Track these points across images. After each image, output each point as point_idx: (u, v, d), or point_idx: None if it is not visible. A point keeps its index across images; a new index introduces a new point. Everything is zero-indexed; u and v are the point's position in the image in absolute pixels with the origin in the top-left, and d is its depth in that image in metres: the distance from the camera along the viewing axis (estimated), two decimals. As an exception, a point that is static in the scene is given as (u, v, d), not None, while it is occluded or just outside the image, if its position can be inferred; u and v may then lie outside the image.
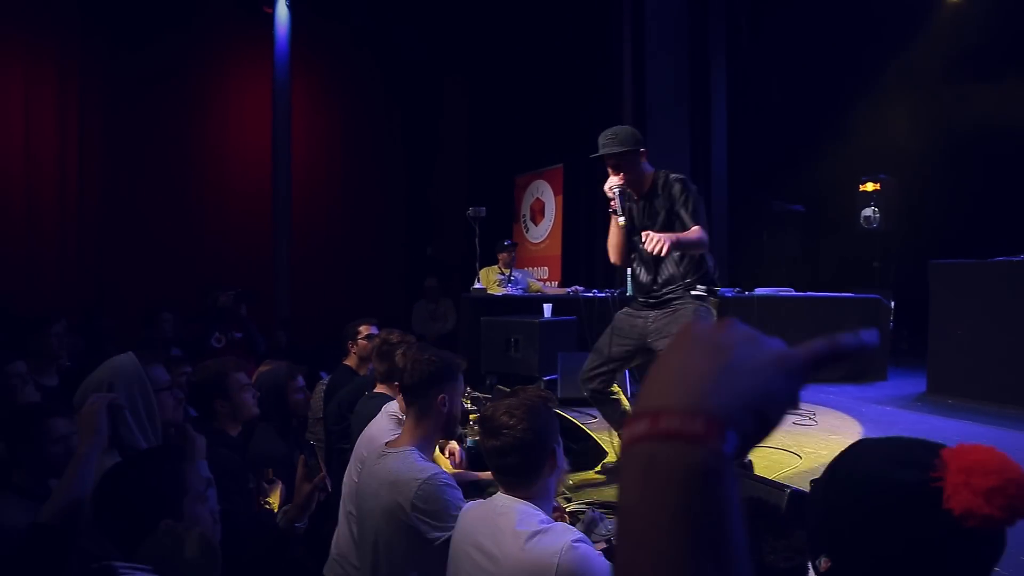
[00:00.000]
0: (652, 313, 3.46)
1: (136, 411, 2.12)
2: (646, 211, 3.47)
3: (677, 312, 3.38)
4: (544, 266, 9.51)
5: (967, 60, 7.29)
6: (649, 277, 3.50)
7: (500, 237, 7.29)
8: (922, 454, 0.94)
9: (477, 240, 6.36)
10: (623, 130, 3.49)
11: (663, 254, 3.13)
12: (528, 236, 9.94)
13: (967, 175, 7.33)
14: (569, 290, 6.71)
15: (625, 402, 3.62)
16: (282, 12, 9.02)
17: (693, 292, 3.39)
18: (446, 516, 2.04)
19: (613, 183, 3.42)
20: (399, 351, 3.08)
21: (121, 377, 2.14)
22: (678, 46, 8.01)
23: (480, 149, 10.84)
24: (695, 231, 3.30)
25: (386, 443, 2.33)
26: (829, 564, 0.98)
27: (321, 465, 2.62)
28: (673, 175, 3.46)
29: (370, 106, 10.38)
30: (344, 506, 2.57)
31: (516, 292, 6.79)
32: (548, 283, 8.69)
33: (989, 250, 5.48)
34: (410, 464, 2.16)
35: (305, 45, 9.32)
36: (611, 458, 3.68)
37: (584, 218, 9.16)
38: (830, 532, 0.99)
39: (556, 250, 9.36)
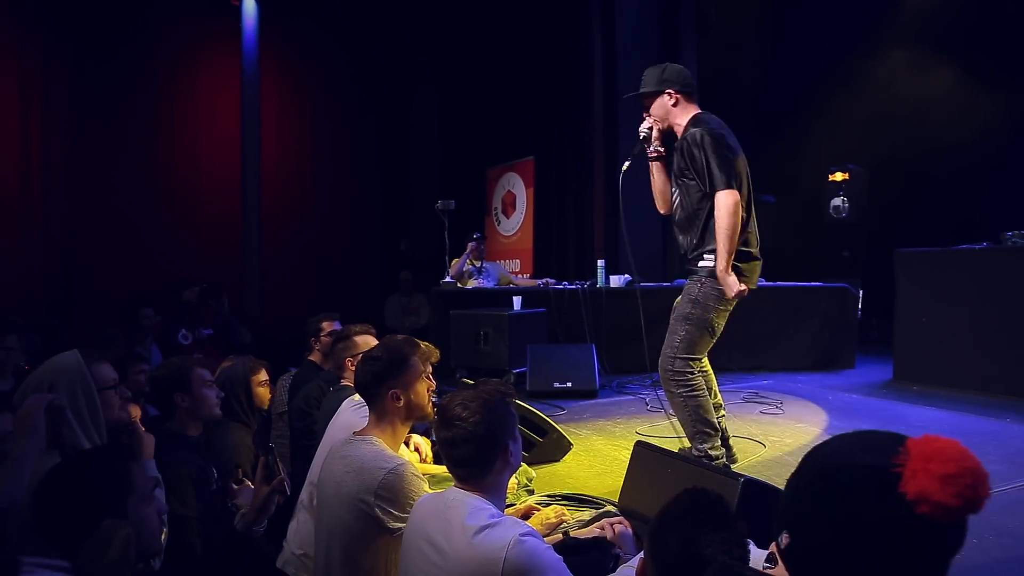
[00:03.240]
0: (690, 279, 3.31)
1: (78, 411, 2.07)
2: (675, 156, 3.23)
3: (688, 288, 3.24)
4: (516, 258, 9.49)
5: (933, 51, 7.35)
6: (680, 238, 3.32)
7: (472, 230, 7.26)
8: (888, 442, 0.96)
9: (447, 233, 6.32)
10: (653, 69, 3.26)
11: (744, 291, 3.06)
12: (500, 229, 9.92)
13: (934, 165, 7.41)
14: (540, 282, 6.70)
15: (715, 385, 3.40)
16: (249, 5, 8.91)
17: (702, 262, 3.18)
18: (409, 507, 2.02)
19: (643, 126, 3.30)
20: (347, 347, 3.05)
21: (63, 376, 2.09)
22: (647, 38, 8.02)
23: (452, 142, 10.80)
24: (724, 225, 3.04)
25: (354, 432, 2.30)
26: (788, 540, 1.00)
27: (279, 468, 2.58)
28: (695, 129, 3.13)
29: (341, 99, 10.29)
30: (304, 498, 2.53)
31: (487, 284, 6.76)
32: (520, 275, 8.68)
33: (955, 239, 5.55)
34: (376, 453, 2.14)
35: (274, 39, 9.22)
36: (577, 451, 3.67)
37: (555, 210, 9.16)
38: (794, 511, 1.01)
39: (528, 242, 9.35)
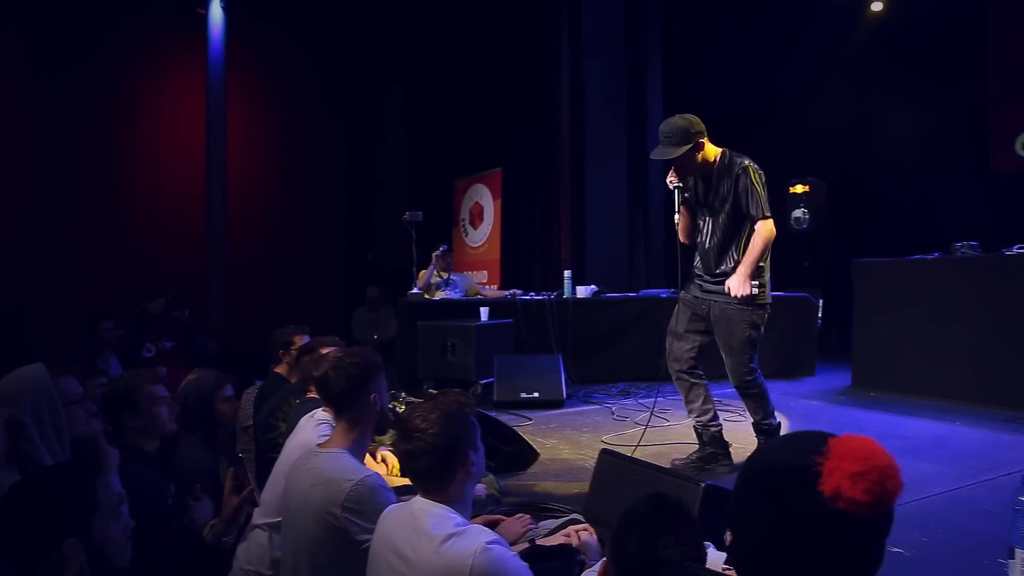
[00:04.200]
0: (710, 299, 3.59)
1: (42, 425, 2.05)
2: (711, 190, 3.54)
3: (729, 312, 3.51)
4: (483, 270, 9.53)
5: (890, 68, 7.59)
6: (710, 258, 3.59)
7: (440, 241, 7.29)
8: (814, 442, 1.01)
9: (414, 245, 6.34)
10: (678, 129, 3.44)
11: (750, 293, 3.39)
12: (467, 240, 9.95)
13: (890, 178, 7.64)
14: (507, 293, 6.75)
15: (708, 394, 3.69)
16: (216, 13, 8.84)
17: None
18: (376, 518, 2.03)
19: (671, 178, 3.56)
20: (314, 360, 3.05)
21: (27, 389, 2.07)
22: (614, 53, 8.14)
23: (419, 153, 10.82)
24: (757, 234, 3.41)
25: (318, 445, 2.31)
26: (731, 539, 1.06)
27: (249, 478, 2.57)
28: (738, 159, 3.50)
29: (308, 109, 10.26)
30: (260, 516, 2.52)
31: (455, 296, 6.79)
32: (487, 286, 8.72)
33: (910, 249, 5.72)
34: (343, 465, 2.14)
35: (241, 47, 9.16)
36: (545, 459, 3.72)
37: (522, 222, 9.23)
38: (734, 510, 1.07)
39: (495, 253, 9.40)
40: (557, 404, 5.33)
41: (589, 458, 3.70)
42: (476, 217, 9.87)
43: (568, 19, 8.27)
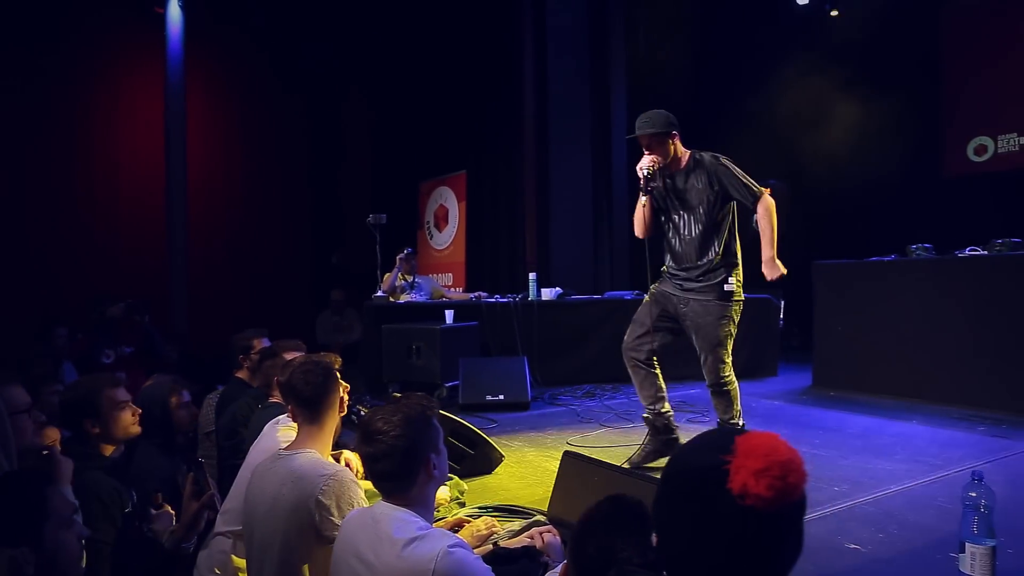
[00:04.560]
0: (685, 296, 3.63)
1: (-13, 435, 1.99)
2: (675, 188, 3.65)
3: (708, 308, 3.56)
4: (448, 272, 9.51)
5: (850, 70, 7.75)
6: (690, 253, 3.63)
7: (404, 244, 7.26)
8: (723, 441, 1.04)
9: (378, 247, 6.31)
10: (658, 114, 3.61)
11: (784, 273, 3.53)
12: (432, 242, 9.93)
13: (850, 180, 7.80)
14: (472, 296, 6.74)
15: (662, 381, 3.74)
16: (174, 12, 8.68)
17: (725, 287, 3.57)
18: (347, 513, 2.04)
19: (644, 163, 3.59)
20: (277, 365, 3.03)
21: (-28, 399, 2.01)
22: (578, 52, 8.18)
23: (384, 155, 10.77)
24: (762, 217, 3.59)
25: (283, 448, 2.30)
26: (657, 540, 1.11)
27: (210, 483, 2.54)
28: (707, 154, 3.63)
29: (270, 111, 10.13)
30: (223, 523, 2.49)
31: (420, 299, 6.76)
32: (452, 289, 8.70)
33: (868, 250, 5.85)
34: (315, 462, 2.18)
35: (200, 47, 9.00)
36: (509, 462, 3.71)
37: (488, 224, 9.23)
38: (656, 512, 1.11)
39: (460, 256, 9.38)
40: (523, 406, 5.34)
41: (554, 460, 3.71)
42: (441, 219, 9.85)
43: (532, 21, 8.30)
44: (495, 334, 6.22)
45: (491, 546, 2.28)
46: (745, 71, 8.49)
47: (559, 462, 2.93)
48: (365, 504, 2.06)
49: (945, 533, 2.58)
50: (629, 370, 3.76)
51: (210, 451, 3.87)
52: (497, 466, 3.70)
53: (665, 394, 3.76)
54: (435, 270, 9.51)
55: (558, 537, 2.23)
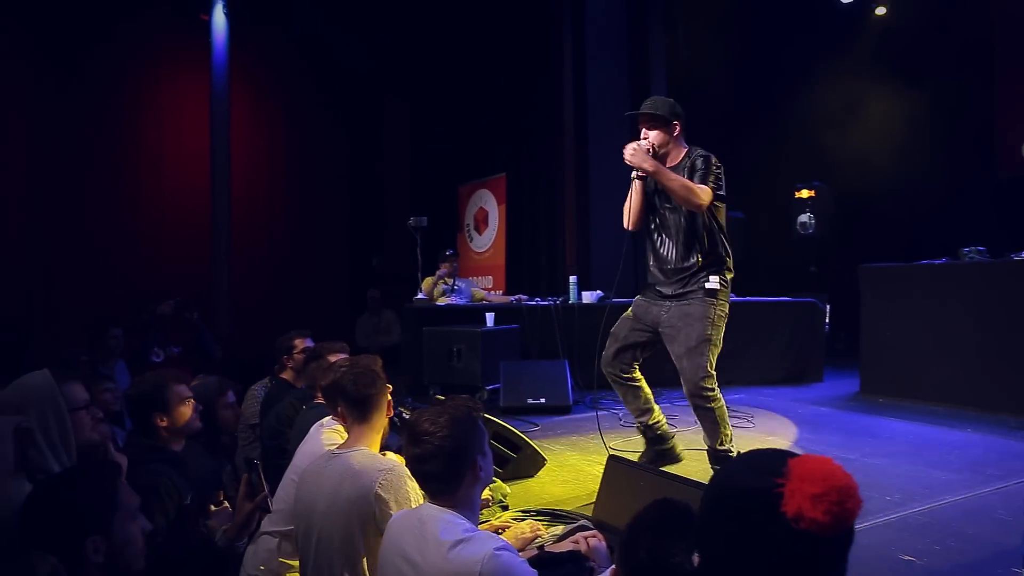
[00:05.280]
0: (667, 304, 3.48)
1: (48, 432, 2.05)
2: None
3: (687, 310, 3.39)
4: (488, 275, 9.54)
5: (897, 69, 7.59)
6: (669, 255, 3.48)
7: (444, 247, 7.30)
8: (774, 462, 1.04)
9: (419, 250, 6.35)
10: (663, 99, 3.52)
11: (633, 160, 3.35)
12: (472, 245, 9.96)
13: (898, 182, 7.63)
14: (513, 299, 6.75)
15: (647, 391, 3.65)
16: (219, 20, 8.87)
17: (707, 284, 3.39)
18: (407, 505, 2.09)
19: (641, 144, 3.45)
20: (321, 367, 3.07)
21: (32, 397, 2.07)
22: (617, 58, 8.15)
23: (423, 159, 10.85)
24: (685, 183, 3.32)
25: (334, 447, 2.35)
26: (699, 560, 1.10)
27: (264, 484, 2.58)
28: (701, 151, 3.46)
29: (312, 115, 10.29)
30: (270, 523, 2.52)
31: (460, 302, 6.79)
32: (492, 292, 8.72)
33: (918, 254, 5.71)
34: (371, 457, 2.22)
35: (244, 54, 9.19)
36: (551, 466, 3.71)
37: (527, 226, 9.22)
38: (699, 533, 1.11)
39: (500, 259, 9.40)
40: (564, 410, 5.32)
41: (596, 464, 3.70)
42: (481, 222, 9.88)
43: (571, 22, 8.29)
44: (536, 337, 6.21)
45: (536, 550, 2.27)
46: (786, 70, 8.36)
47: (603, 466, 2.92)
48: (419, 497, 2.08)
49: (1006, 547, 2.50)
50: (612, 384, 3.68)
51: (253, 444, 3.93)
52: (539, 470, 3.69)
53: (652, 404, 3.66)
54: (475, 273, 9.55)
55: (603, 542, 2.21)
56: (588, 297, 6.48)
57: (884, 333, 5.63)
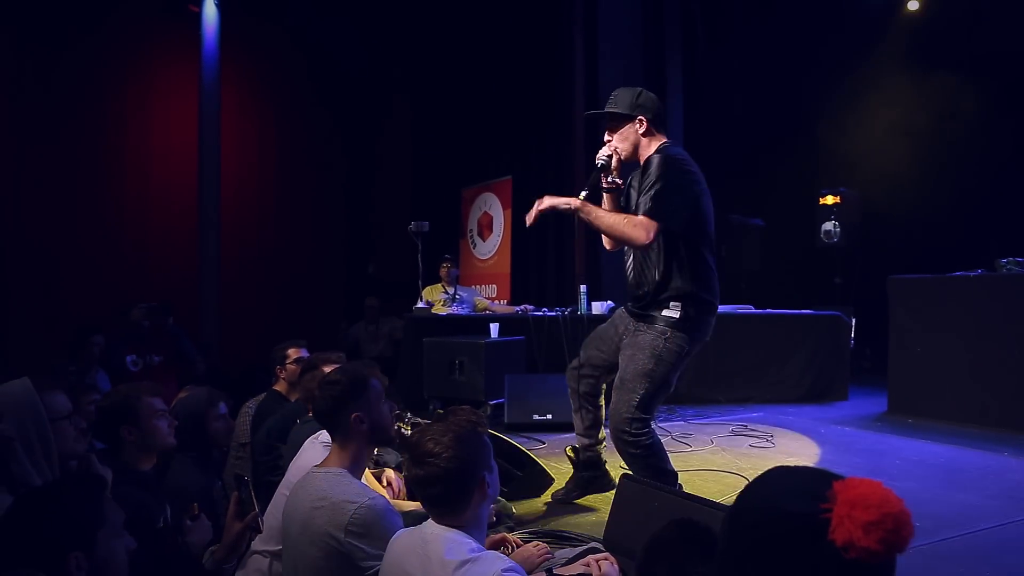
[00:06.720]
0: (631, 321, 3.24)
1: (29, 443, 2.06)
2: (638, 188, 3.17)
3: (638, 337, 3.13)
4: (492, 283, 9.53)
5: (927, 72, 7.59)
6: (635, 276, 3.22)
7: (445, 253, 7.32)
8: (817, 485, 1.03)
9: (420, 256, 6.36)
10: (626, 91, 3.22)
11: (530, 222, 3.12)
12: (475, 252, 9.97)
13: (929, 189, 7.62)
14: (518, 309, 6.75)
15: (599, 417, 3.47)
16: (210, 11, 8.93)
17: (665, 311, 3.08)
18: (383, 543, 2.02)
19: (602, 153, 3.21)
20: (315, 378, 3.07)
21: (12, 406, 2.08)
22: (632, 53, 8.18)
23: (424, 160, 10.86)
24: (614, 224, 3.02)
25: (315, 465, 2.32)
26: None
27: (254, 502, 2.58)
28: (666, 151, 3.10)
29: (306, 113, 10.33)
30: (260, 542, 2.53)
31: (462, 311, 6.80)
32: (496, 301, 8.72)
33: (950, 265, 5.70)
34: (344, 486, 2.15)
35: (235, 47, 9.24)
36: (559, 485, 3.71)
37: (534, 233, 9.22)
38: (731, 558, 1.08)
39: (505, 267, 9.39)
40: (572, 427, 5.30)
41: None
42: (485, 228, 9.88)
43: (583, 19, 8.31)
44: (543, 350, 6.21)
45: (544, 573, 2.27)
46: (812, 69, 8.36)
47: (614, 486, 2.92)
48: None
49: (1044, 576, 2.49)
50: (569, 393, 3.52)
51: (244, 463, 3.94)
52: (547, 489, 3.69)
53: (600, 429, 3.47)
54: (478, 281, 9.55)
55: (616, 565, 2.21)
56: (598, 307, 6.48)
57: (914, 349, 5.61)
